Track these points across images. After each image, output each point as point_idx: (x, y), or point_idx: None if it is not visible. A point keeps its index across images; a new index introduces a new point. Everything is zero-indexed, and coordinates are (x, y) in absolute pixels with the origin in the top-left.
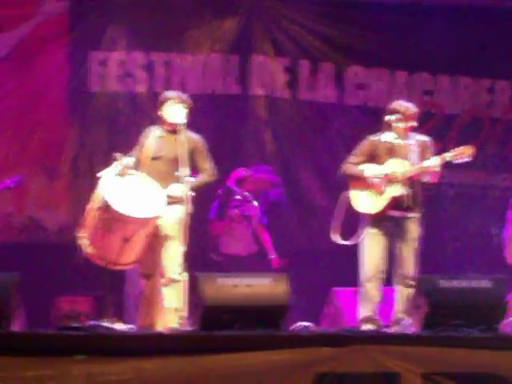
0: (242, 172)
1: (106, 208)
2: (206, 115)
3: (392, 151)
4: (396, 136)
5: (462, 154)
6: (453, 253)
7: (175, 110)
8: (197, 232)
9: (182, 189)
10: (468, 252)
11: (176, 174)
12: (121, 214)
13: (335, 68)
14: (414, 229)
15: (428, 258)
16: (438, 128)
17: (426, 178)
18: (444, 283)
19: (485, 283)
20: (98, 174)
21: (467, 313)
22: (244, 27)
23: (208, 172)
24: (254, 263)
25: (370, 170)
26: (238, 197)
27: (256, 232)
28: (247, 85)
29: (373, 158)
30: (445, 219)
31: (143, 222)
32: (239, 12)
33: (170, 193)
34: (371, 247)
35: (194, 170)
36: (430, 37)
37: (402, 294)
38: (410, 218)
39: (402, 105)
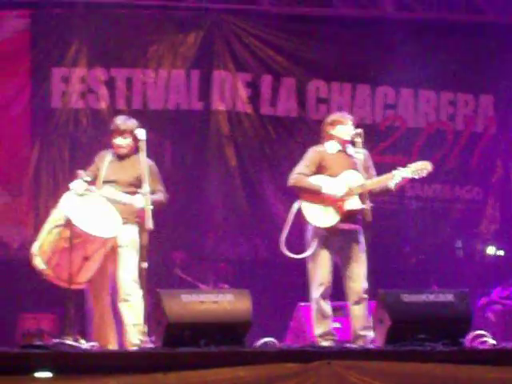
0: None
1: (67, 225)
2: (168, 131)
3: (339, 162)
4: (339, 147)
5: (422, 169)
6: (416, 266)
7: (118, 142)
8: None
9: (144, 201)
10: (432, 265)
11: (139, 191)
12: (83, 232)
13: (297, 82)
14: (362, 241)
15: (391, 271)
16: (402, 141)
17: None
18: (407, 297)
19: (449, 297)
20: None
21: (431, 327)
22: (206, 42)
23: (163, 193)
24: None
25: (327, 185)
26: None
27: None
28: (209, 100)
29: (320, 168)
30: (408, 232)
31: (103, 242)
32: (201, 27)
33: (132, 202)
34: (322, 264)
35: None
36: (392, 50)
37: (359, 309)
38: (358, 231)
39: (342, 115)
